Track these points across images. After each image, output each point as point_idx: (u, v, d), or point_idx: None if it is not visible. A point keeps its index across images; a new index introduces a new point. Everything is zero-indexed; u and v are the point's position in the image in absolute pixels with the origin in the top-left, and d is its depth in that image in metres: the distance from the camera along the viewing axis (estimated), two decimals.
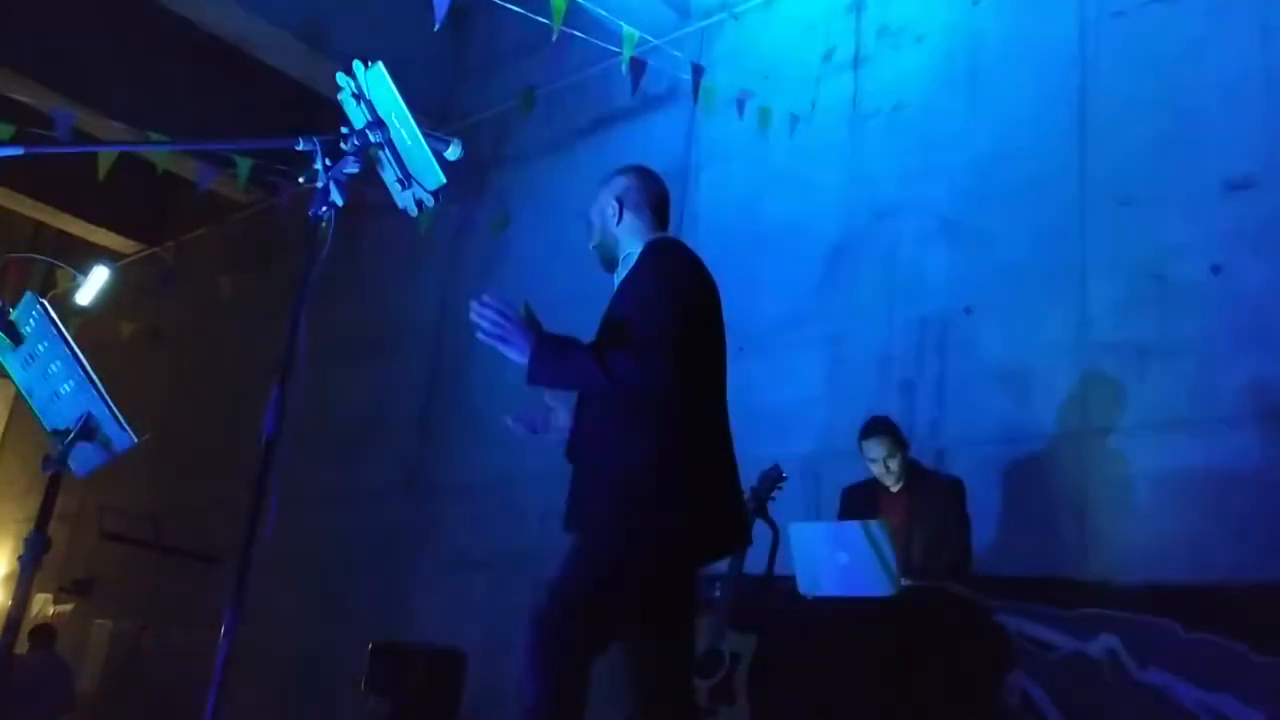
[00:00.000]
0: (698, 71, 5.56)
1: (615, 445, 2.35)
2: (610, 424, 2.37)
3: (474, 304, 2.29)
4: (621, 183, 2.70)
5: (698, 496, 2.35)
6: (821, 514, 4.60)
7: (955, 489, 3.89)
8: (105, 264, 8.30)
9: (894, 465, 3.92)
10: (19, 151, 1.88)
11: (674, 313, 2.36)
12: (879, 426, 3.98)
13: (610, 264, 2.65)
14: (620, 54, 5.40)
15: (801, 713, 3.76)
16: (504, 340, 2.28)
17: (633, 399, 2.34)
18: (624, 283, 2.51)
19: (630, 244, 2.61)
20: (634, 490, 2.30)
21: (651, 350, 2.29)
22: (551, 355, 2.29)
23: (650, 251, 2.52)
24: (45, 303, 2.40)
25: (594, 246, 2.67)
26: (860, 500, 4.03)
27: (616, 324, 2.41)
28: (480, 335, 2.29)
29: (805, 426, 5.06)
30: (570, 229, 3.92)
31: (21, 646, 8.62)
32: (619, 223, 2.63)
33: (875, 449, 3.94)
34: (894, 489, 3.98)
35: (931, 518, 3.81)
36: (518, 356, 2.29)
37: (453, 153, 2.06)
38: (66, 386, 2.37)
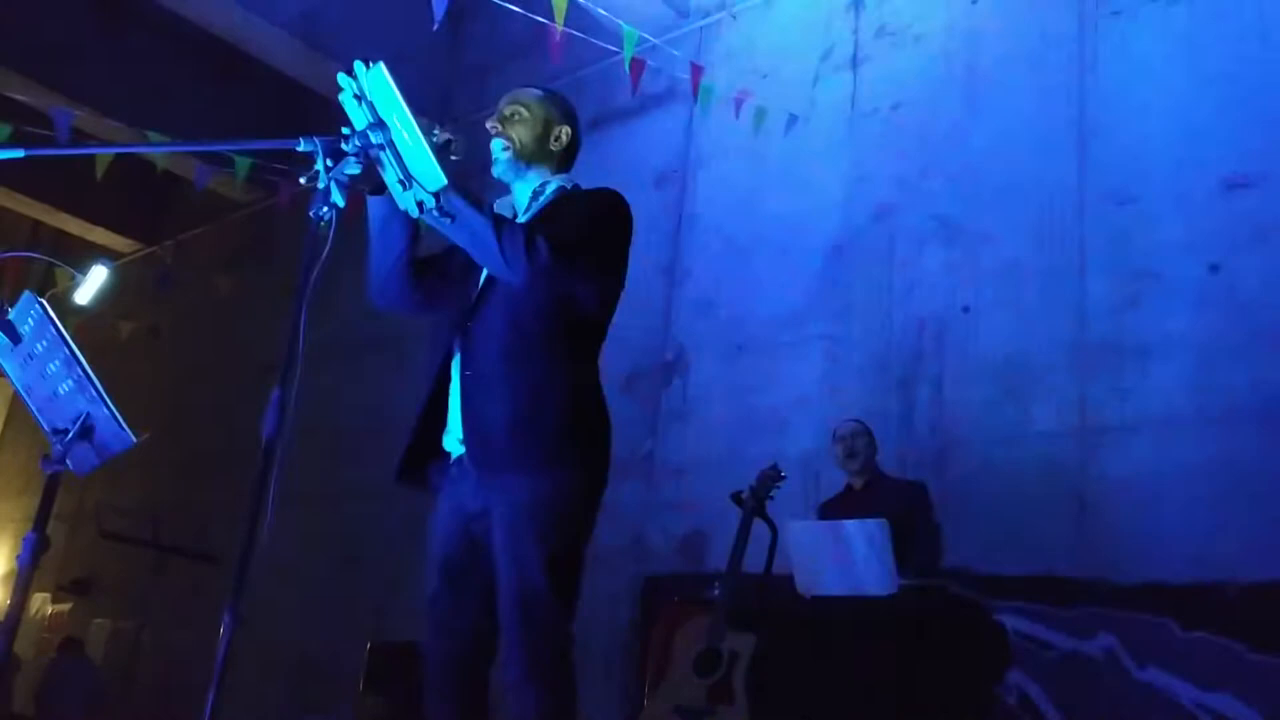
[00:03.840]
0: (696, 71, 5.56)
1: (551, 373, 2.17)
2: (543, 344, 2.18)
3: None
4: (571, 112, 2.45)
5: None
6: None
7: (916, 491, 3.95)
8: (104, 263, 8.29)
9: (859, 446, 4.08)
10: (20, 154, 1.88)
11: (615, 243, 2.27)
12: (850, 418, 4.25)
13: (510, 170, 2.37)
14: (618, 53, 5.40)
15: (800, 712, 3.77)
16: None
17: (563, 321, 2.20)
18: (551, 218, 2.28)
19: (546, 175, 2.39)
20: (585, 427, 2.20)
21: (576, 253, 2.14)
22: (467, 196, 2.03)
23: (610, 195, 2.32)
24: (44, 302, 2.40)
25: (510, 152, 2.35)
26: (829, 508, 4.14)
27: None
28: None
29: (803, 425, 5.06)
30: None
31: (26, 648, 8.66)
32: (548, 153, 2.38)
33: (843, 429, 4.15)
34: (857, 487, 4.09)
35: (890, 518, 3.83)
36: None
37: (438, 139, 2.06)
38: (65, 386, 2.37)
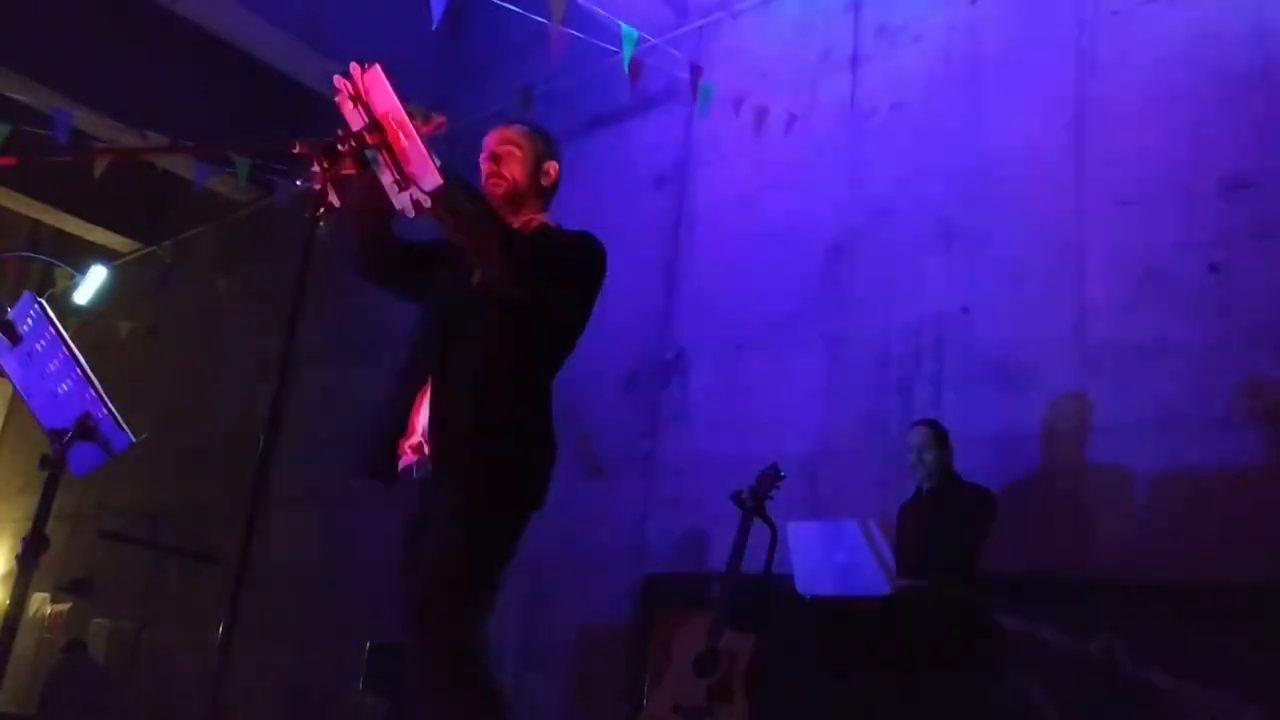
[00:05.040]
0: (695, 70, 5.56)
1: (519, 399, 2.29)
2: (515, 370, 2.29)
3: None
4: (557, 147, 2.56)
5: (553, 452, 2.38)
6: (819, 513, 4.60)
7: (980, 499, 3.94)
8: (103, 263, 8.31)
9: (927, 458, 4.07)
10: (13, 161, 1.89)
11: (591, 279, 2.37)
12: (925, 420, 4.24)
13: (505, 207, 2.44)
14: (617, 52, 5.40)
15: (800, 712, 3.77)
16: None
17: (534, 348, 2.32)
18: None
19: (533, 212, 2.49)
20: (538, 454, 2.29)
21: (559, 277, 2.27)
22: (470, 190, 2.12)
23: (591, 238, 2.43)
24: (43, 301, 2.40)
25: (500, 194, 2.43)
26: (901, 511, 4.16)
27: None
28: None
29: (803, 426, 5.06)
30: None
31: (26, 648, 8.66)
32: (540, 189, 2.49)
33: (913, 437, 4.16)
34: (925, 491, 4.10)
35: (950, 521, 3.85)
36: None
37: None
38: (64, 385, 2.37)
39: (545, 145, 2.51)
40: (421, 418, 2.29)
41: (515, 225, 2.44)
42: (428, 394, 2.29)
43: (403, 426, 2.33)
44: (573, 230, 2.47)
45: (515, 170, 2.44)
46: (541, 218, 2.49)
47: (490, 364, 2.28)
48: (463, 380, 2.26)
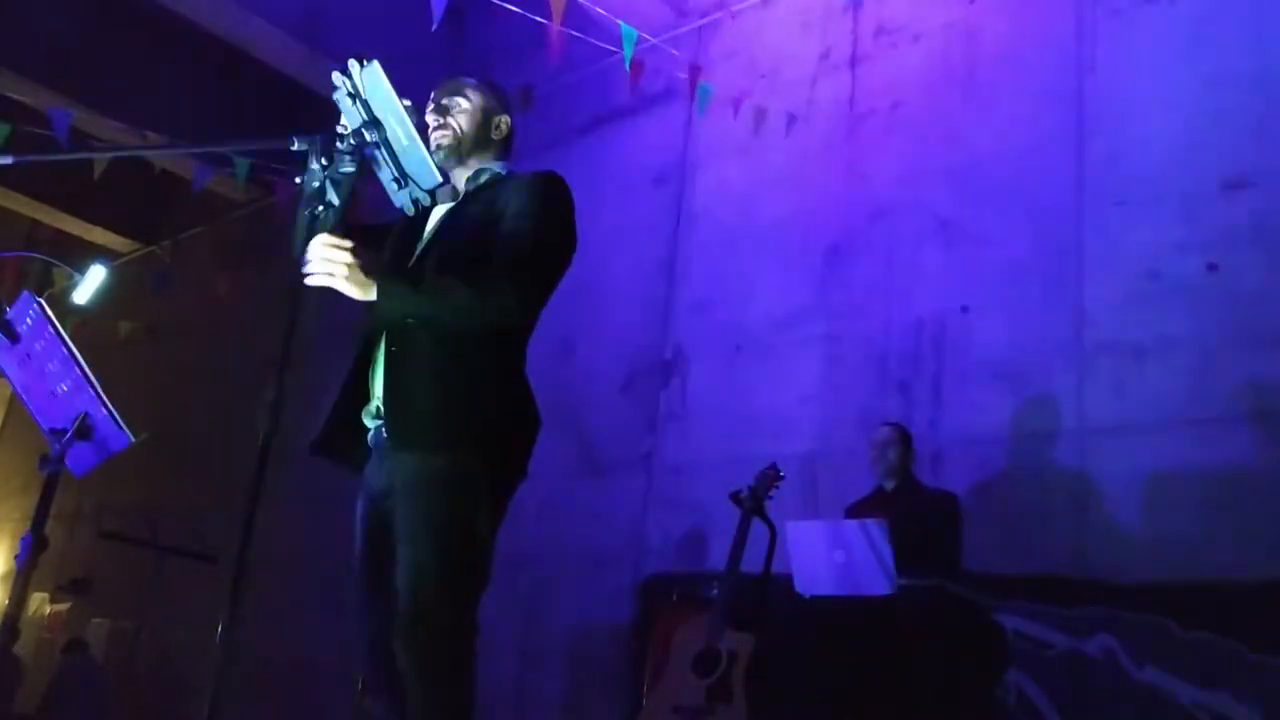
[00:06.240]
0: (694, 70, 5.56)
1: (474, 356, 2.18)
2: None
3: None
4: (509, 102, 2.50)
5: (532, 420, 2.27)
6: (819, 513, 4.60)
7: (945, 503, 3.95)
8: (102, 263, 8.29)
9: (892, 454, 4.13)
10: (9, 161, 1.89)
11: (563, 253, 2.28)
12: (891, 421, 4.33)
13: (451, 159, 2.38)
14: (616, 52, 5.40)
15: (799, 711, 3.77)
16: (332, 276, 2.02)
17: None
18: (489, 200, 2.32)
19: (485, 163, 2.43)
20: (496, 410, 2.19)
21: (537, 285, 2.19)
22: (403, 285, 2.11)
23: (548, 180, 2.33)
24: (42, 301, 2.40)
25: (445, 145, 2.36)
26: (857, 509, 4.15)
27: (489, 246, 2.20)
28: (310, 280, 2.01)
29: (802, 426, 5.06)
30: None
31: (25, 648, 8.66)
32: (489, 141, 2.42)
33: (879, 432, 4.24)
34: (888, 489, 4.09)
35: (917, 523, 3.85)
36: (357, 292, 2.03)
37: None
38: (63, 385, 2.37)
39: (496, 100, 2.46)
40: (378, 384, 2.23)
41: (466, 176, 2.39)
42: (380, 359, 2.23)
43: (364, 396, 2.28)
44: (531, 177, 2.35)
45: (462, 121, 2.39)
46: (494, 168, 2.42)
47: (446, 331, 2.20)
48: (418, 344, 2.18)
